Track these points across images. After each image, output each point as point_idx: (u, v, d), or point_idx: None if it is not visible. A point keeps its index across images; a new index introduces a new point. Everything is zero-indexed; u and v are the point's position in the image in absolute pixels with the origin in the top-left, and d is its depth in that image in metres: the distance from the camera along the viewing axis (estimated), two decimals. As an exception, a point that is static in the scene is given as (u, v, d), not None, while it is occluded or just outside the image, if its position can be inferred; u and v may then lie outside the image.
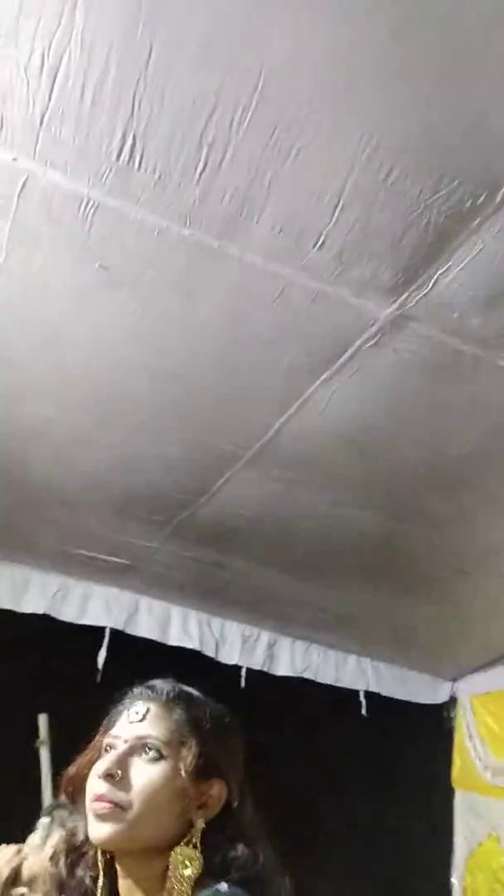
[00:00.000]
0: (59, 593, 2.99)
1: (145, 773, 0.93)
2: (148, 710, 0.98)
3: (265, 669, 3.20)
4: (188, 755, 0.94)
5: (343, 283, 1.46)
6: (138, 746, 0.95)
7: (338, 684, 3.32)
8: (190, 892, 0.87)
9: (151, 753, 0.94)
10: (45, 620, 2.93)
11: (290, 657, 3.28)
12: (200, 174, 1.31)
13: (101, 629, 3.02)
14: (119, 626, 3.01)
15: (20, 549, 2.96)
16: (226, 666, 3.20)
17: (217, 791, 0.95)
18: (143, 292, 1.53)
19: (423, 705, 3.50)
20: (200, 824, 0.92)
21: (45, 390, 1.90)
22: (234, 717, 1.04)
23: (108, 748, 0.97)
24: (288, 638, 3.33)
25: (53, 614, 2.91)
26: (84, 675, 2.93)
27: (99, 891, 0.95)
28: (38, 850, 1.61)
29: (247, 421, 1.91)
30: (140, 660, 3.06)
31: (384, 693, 3.44)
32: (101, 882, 0.95)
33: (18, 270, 1.54)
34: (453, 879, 3.15)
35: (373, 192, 1.25)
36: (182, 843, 0.91)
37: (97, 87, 1.21)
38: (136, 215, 1.40)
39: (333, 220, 1.32)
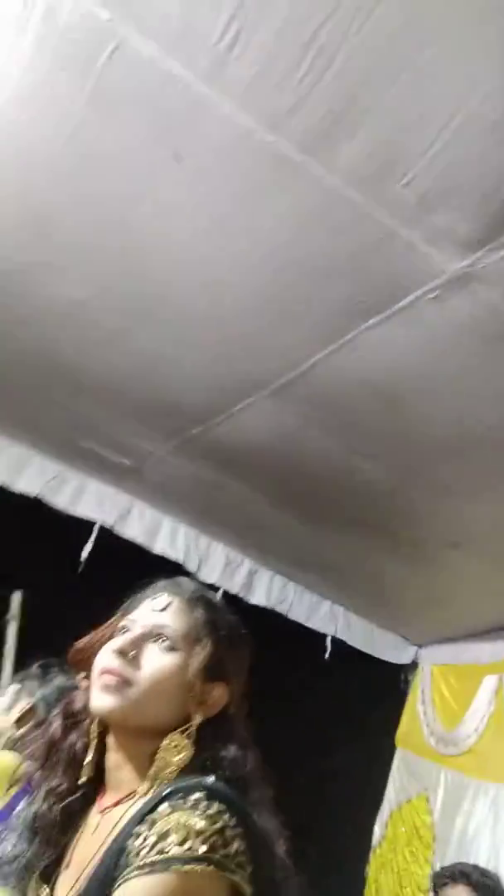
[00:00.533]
0: (55, 480, 2.99)
1: (157, 659, 0.95)
2: (170, 603, 1.00)
3: (241, 595, 3.24)
4: (201, 653, 0.97)
5: (419, 226, 1.39)
6: (154, 634, 0.97)
7: (307, 624, 3.38)
8: (173, 777, 0.90)
9: (167, 643, 0.96)
10: (35, 504, 2.94)
11: (267, 589, 3.32)
12: (301, 79, 1.23)
13: (90, 524, 3.04)
14: (108, 524, 3.03)
15: (25, 429, 2.95)
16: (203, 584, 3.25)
17: (219, 693, 0.98)
18: (211, 191, 1.46)
19: (385, 663, 3.57)
20: (198, 719, 0.94)
21: (85, 273, 1.85)
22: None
23: (124, 629, 0.99)
24: (269, 570, 3.37)
25: (46, 499, 2.92)
26: (65, 564, 2.96)
27: (88, 756, 0.98)
28: (5, 712, 1.69)
29: (282, 349, 1.86)
30: (122, 562, 3.10)
31: (350, 643, 3.50)
32: (91, 749, 0.98)
33: (90, 141, 1.46)
34: (376, 827, 3.27)
35: (479, 136, 1.18)
36: (177, 732, 0.93)
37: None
38: (224, 109, 1.32)
39: (428, 157, 1.25)
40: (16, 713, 1.69)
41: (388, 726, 3.59)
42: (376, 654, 3.59)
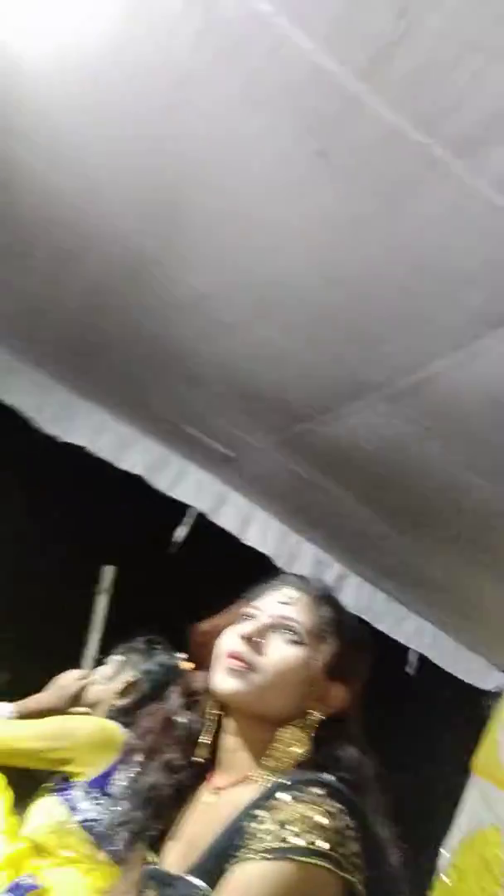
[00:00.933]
0: (157, 461, 3.05)
1: (283, 649, 0.97)
2: (298, 598, 1.02)
3: (328, 598, 3.21)
4: (325, 651, 0.98)
5: None
6: (281, 625, 0.99)
7: (392, 635, 3.32)
8: (288, 769, 0.91)
9: (292, 636, 0.98)
10: (136, 483, 3.01)
11: (354, 594, 3.28)
12: (464, 82, 1.19)
13: (185, 508, 3.09)
14: (204, 510, 3.07)
15: (133, 409, 3.01)
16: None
17: (339, 693, 0.99)
18: (354, 190, 1.43)
19: (468, 685, 3.47)
20: (317, 715, 0.96)
21: (212, 266, 1.86)
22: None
23: (248, 616, 1.01)
24: (358, 577, 3.33)
25: (147, 479, 2.98)
26: (158, 544, 3.02)
27: (204, 737, 1.01)
28: (107, 681, 1.74)
29: (404, 353, 1.82)
30: (213, 549, 3.14)
31: (434, 660, 3.42)
32: (207, 730, 1.01)
33: (235, 133, 1.46)
34: (444, 850, 3.18)
35: None
36: (296, 725, 0.95)
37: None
38: (377, 108, 1.29)
39: None
40: (119, 684, 1.73)
41: (465, 750, 3.49)
42: (460, 676, 3.49)
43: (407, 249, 1.49)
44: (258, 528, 3.18)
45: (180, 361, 2.30)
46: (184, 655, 1.79)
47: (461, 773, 3.45)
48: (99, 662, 2.95)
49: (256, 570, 3.16)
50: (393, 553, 2.99)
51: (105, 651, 2.99)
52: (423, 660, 3.40)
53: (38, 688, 1.90)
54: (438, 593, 3.19)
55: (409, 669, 3.38)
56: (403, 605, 3.42)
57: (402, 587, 3.27)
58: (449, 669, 3.46)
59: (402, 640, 3.34)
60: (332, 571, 3.29)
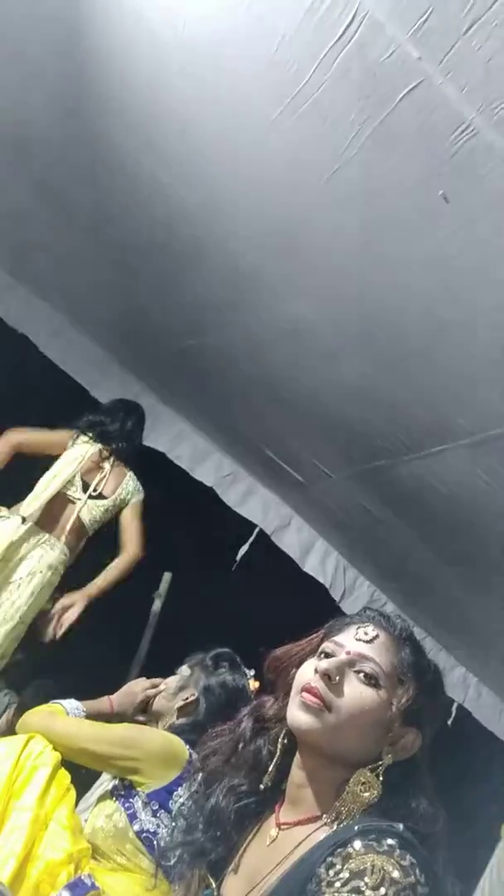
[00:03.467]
0: (229, 476, 3.10)
1: (359, 691, 0.96)
2: (378, 636, 1.00)
3: (376, 636, 3.19)
4: (403, 695, 0.96)
5: None
6: (359, 664, 0.97)
7: (437, 684, 3.26)
8: (358, 814, 0.90)
9: (370, 677, 0.96)
10: (208, 494, 3.06)
11: (405, 637, 3.23)
12: None
13: (251, 525, 3.12)
14: (268, 531, 3.09)
15: (213, 423, 3.08)
16: (338, 612, 3.23)
17: (413, 739, 0.97)
18: (474, 239, 1.46)
19: (506, 746, 3.38)
20: (389, 760, 0.94)
21: (319, 294, 1.90)
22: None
23: (327, 652, 1.00)
24: (410, 620, 3.28)
25: (218, 492, 3.03)
26: (220, 557, 3.06)
27: (272, 766, 1.01)
28: (172, 695, 1.74)
29: (497, 402, 1.81)
30: (272, 569, 3.15)
31: (475, 715, 3.35)
32: (276, 760, 1.01)
33: (364, 170, 1.51)
34: (464, 915, 3.09)
35: None
36: (368, 769, 0.93)
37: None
38: (510, 159, 1.32)
39: None
40: (179, 701, 1.73)
41: (496, 812, 3.38)
42: (499, 735, 3.40)
43: (518, 301, 1.50)
44: (318, 557, 3.19)
45: (270, 384, 2.35)
46: (251, 673, 1.79)
47: (489, 835, 3.35)
48: (144, 668, 3.00)
49: (311, 598, 3.17)
50: (449, 602, 2.95)
51: (153, 656, 3.05)
52: (462, 712, 3.33)
53: (88, 684, 1.94)
54: (489, 649, 3.12)
55: (448, 721, 3.32)
56: (451, 655, 3.36)
57: (452, 637, 3.22)
58: (489, 726, 3.37)
59: (445, 691, 3.27)
60: (385, 610, 3.25)
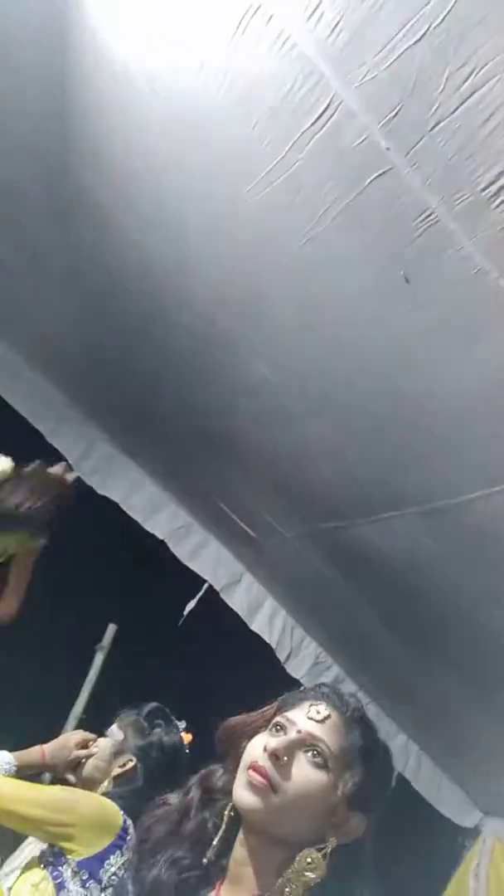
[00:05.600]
0: (181, 530, 3.10)
1: (306, 773, 0.95)
2: (329, 717, 1.00)
3: (321, 700, 3.17)
4: (349, 780, 0.96)
5: None
6: (309, 743, 0.97)
7: (378, 752, 3.23)
8: (300, 894, 0.89)
9: (319, 758, 0.96)
10: (159, 546, 3.04)
11: (348, 701, 3.22)
12: (553, 241, 1.28)
13: (200, 581, 3.10)
14: (217, 587, 3.09)
15: (169, 474, 3.08)
16: (281, 672, 3.21)
17: (357, 824, 0.97)
18: (428, 315, 1.52)
19: (444, 819, 3.35)
20: (334, 842, 0.94)
21: (282, 358, 1.95)
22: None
23: (279, 727, 1.00)
24: (354, 684, 3.28)
25: (170, 545, 3.02)
26: (167, 612, 3.03)
27: (216, 840, 0.99)
28: (106, 761, 1.70)
29: (449, 475, 1.87)
30: (219, 627, 3.13)
31: (414, 785, 3.33)
32: (220, 834, 0.99)
33: (329, 245, 1.57)
34: None
35: None
36: (314, 849, 0.93)
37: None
38: (468, 249, 1.39)
39: None
40: (116, 768, 1.68)
41: (433, 886, 3.34)
42: (437, 807, 3.38)
43: (471, 383, 1.57)
44: (266, 616, 3.18)
45: (229, 440, 2.37)
46: (183, 725, 1.77)
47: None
48: (82, 721, 2.92)
49: (257, 657, 3.15)
50: (395, 668, 2.96)
51: (91, 710, 2.98)
52: (402, 782, 3.30)
53: (21, 734, 1.89)
54: (432, 718, 3.13)
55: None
56: (394, 722, 3.35)
57: (397, 704, 3.22)
58: (428, 798, 3.35)
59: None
60: (329, 673, 3.26)
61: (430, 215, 1.40)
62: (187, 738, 1.74)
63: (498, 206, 1.31)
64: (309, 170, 1.50)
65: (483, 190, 1.30)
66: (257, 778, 0.93)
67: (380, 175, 1.41)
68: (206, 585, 3.07)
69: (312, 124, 1.43)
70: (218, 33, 1.42)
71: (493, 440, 1.67)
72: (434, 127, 1.29)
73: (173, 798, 1.07)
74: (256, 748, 0.97)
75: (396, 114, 1.31)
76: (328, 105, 1.39)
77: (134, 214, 1.95)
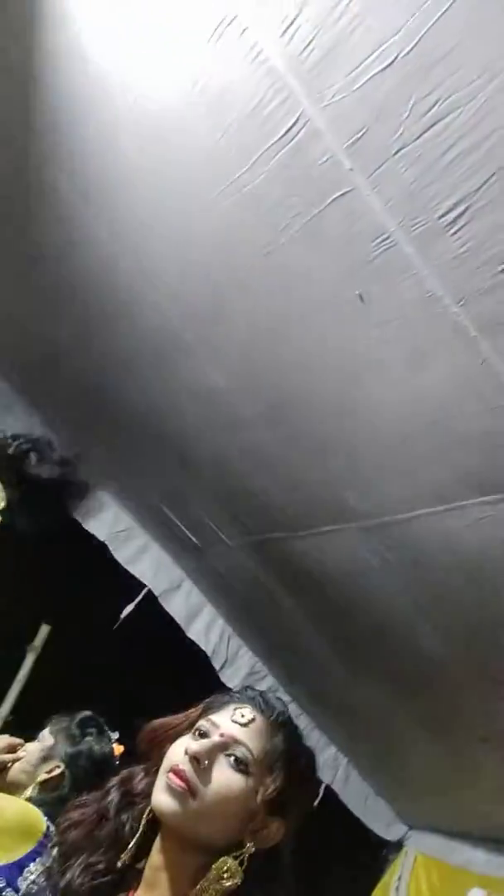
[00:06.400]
0: (123, 533, 3.07)
1: (226, 777, 0.95)
2: (253, 720, 0.99)
3: (254, 711, 3.17)
4: (270, 785, 0.95)
5: None
6: (230, 747, 0.96)
7: (306, 763, 3.25)
8: None
9: (240, 762, 0.96)
10: (98, 548, 3.01)
11: (280, 712, 3.23)
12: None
13: (140, 585, 3.08)
14: (157, 591, 3.06)
15: (114, 477, 3.05)
16: (216, 680, 3.20)
17: (276, 830, 0.96)
18: (381, 335, 1.56)
19: (369, 832, 3.39)
20: (251, 849, 0.93)
21: (236, 366, 1.96)
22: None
23: (201, 731, 0.99)
24: (288, 696, 3.29)
25: (111, 548, 2.98)
26: (102, 614, 3.00)
27: (132, 844, 0.98)
28: (33, 766, 1.66)
29: (390, 492, 1.90)
30: (155, 632, 3.12)
31: (342, 797, 3.35)
32: (137, 838, 0.98)
33: (288, 261, 1.59)
34: None
35: None
36: (231, 856, 0.92)
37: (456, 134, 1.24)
38: (423, 272, 1.43)
39: None
40: (43, 774, 1.65)
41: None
42: (363, 820, 3.41)
43: (418, 402, 1.61)
44: (204, 623, 3.17)
45: (179, 444, 2.37)
46: (116, 736, 1.75)
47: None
48: (7, 723, 2.87)
49: (192, 663, 3.13)
50: (329, 679, 2.99)
51: (20, 711, 2.92)
52: (329, 794, 3.33)
53: None
54: (363, 731, 3.17)
55: (314, 802, 3.30)
56: (325, 735, 3.37)
57: (327, 716, 3.25)
58: (354, 811, 3.38)
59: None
60: (264, 683, 3.26)
61: (387, 238, 1.44)
62: (119, 749, 1.72)
63: (454, 233, 1.35)
64: (273, 183, 1.52)
65: (440, 217, 1.35)
66: (176, 781, 0.92)
67: (342, 195, 1.44)
68: (145, 590, 3.05)
69: (279, 139, 1.46)
70: (192, 41, 1.43)
71: (437, 460, 1.71)
72: (397, 152, 1.32)
73: (91, 800, 1.05)
74: (178, 751, 0.96)
75: (361, 136, 1.34)
76: (295, 122, 1.42)
77: (97, 214, 1.94)
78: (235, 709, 1.00)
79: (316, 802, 3.25)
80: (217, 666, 3.14)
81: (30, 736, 1.81)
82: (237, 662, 3.23)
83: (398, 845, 3.37)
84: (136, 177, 1.76)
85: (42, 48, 1.70)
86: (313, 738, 3.31)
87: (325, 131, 1.39)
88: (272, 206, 1.55)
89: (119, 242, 1.96)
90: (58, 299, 2.32)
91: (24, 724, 2.00)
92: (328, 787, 3.30)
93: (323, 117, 1.38)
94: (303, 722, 3.30)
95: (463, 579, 1.97)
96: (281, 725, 1.01)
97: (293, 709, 3.29)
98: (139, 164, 1.73)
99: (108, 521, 3.03)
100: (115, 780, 1.05)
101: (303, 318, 1.70)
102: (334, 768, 3.34)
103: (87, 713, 1.78)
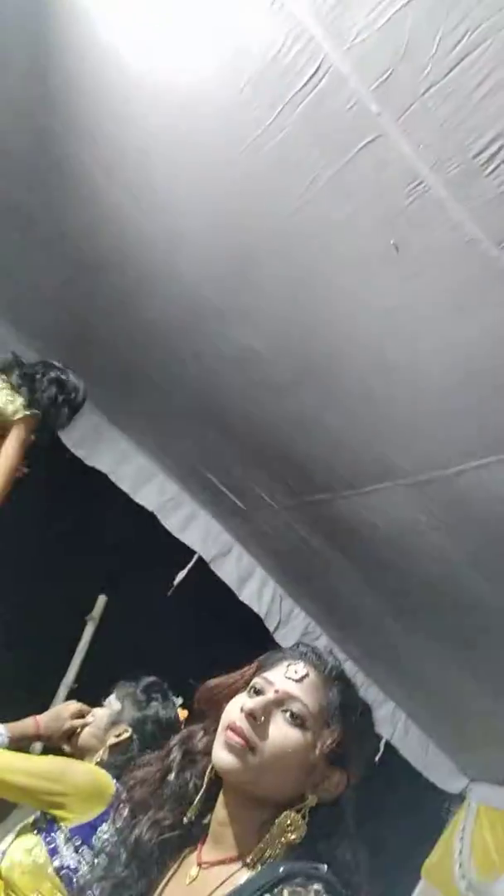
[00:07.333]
0: (171, 501, 3.09)
1: (284, 732, 0.95)
2: (307, 675, 0.99)
3: (309, 668, 3.20)
4: (328, 738, 0.95)
5: None
6: (286, 703, 0.97)
7: (365, 719, 3.28)
8: (281, 856, 0.90)
9: (297, 717, 0.96)
10: (149, 518, 3.04)
11: (337, 671, 3.25)
12: (544, 208, 1.27)
13: (190, 552, 3.11)
14: (207, 558, 3.09)
15: (159, 445, 3.07)
16: (272, 643, 3.23)
17: (338, 780, 0.97)
18: (422, 289, 1.51)
19: (431, 784, 3.41)
20: (313, 801, 0.94)
21: (271, 328, 1.93)
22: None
23: (256, 688, 1.00)
24: (344, 654, 3.31)
25: (159, 517, 3.01)
26: (157, 583, 3.04)
27: (196, 801, 1.00)
28: (102, 731, 1.70)
29: (437, 447, 1.87)
30: (208, 598, 3.15)
31: (402, 752, 3.38)
32: (201, 794, 0.99)
33: (318, 215, 1.55)
34: None
35: None
36: (293, 810, 0.93)
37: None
38: (459, 215, 1.37)
39: None
40: (112, 738, 1.69)
41: (417, 851, 3.41)
42: (425, 774, 3.43)
43: (460, 352, 1.56)
44: (255, 586, 3.19)
45: (218, 412, 2.36)
46: (180, 701, 1.77)
47: (410, 874, 3.37)
48: (73, 691, 2.94)
49: (246, 627, 3.16)
50: (383, 636, 2.99)
51: (82, 679, 2.99)
52: (389, 749, 3.35)
53: (11, 705, 1.89)
54: (420, 686, 3.17)
55: (376, 758, 3.33)
56: (382, 690, 3.39)
57: (384, 672, 3.26)
58: (415, 765, 3.40)
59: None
60: (318, 643, 3.27)
61: (420, 183, 1.38)
62: (183, 714, 1.75)
63: (490, 172, 1.29)
64: (297, 136, 1.47)
65: (475, 156, 1.28)
66: (234, 738, 0.93)
67: (370, 141, 1.39)
68: (195, 557, 3.08)
69: (301, 88, 1.40)
70: (205, -7, 1.38)
71: (481, 412, 1.66)
72: (426, 91, 1.26)
73: (154, 759, 1.07)
74: (234, 709, 0.97)
75: (388, 77, 1.28)
76: (318, 68, 1.36)
77: (120, 183, 1.91)
78: (289, 665, 1.00)
79: (377, 757, 3.30)
80: (271, 627, 3.17)
81: (95, 703, 1.86)
82: (291, 623, 3.25)
83: (460, 798, 3.38)
84: (155, 141, 1.73)
85: (55, 20, 1.66)
86: (370, 694, 3.33)
87: (349, 75, 1.33)
88: (298, 160, 1.50)
89: (143, 211, 1.93)
90: (86, 272, 2.31)
91: (87, 693, 2.04)
92: (388, 743, 3.32)
93: (346, 61, 1.32)
94: (359, 679, 3.32)
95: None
96: (335, 679, 1.01)
97: (348, 667, 3.32)
98: (157, 128, 1.69)
99: (155, 491, 3.06)
100: (175, 739, 1.07)
101: (335, 275, 1.65)
102: (393, 724, 3.36)
103: (153, 678, 1.81)
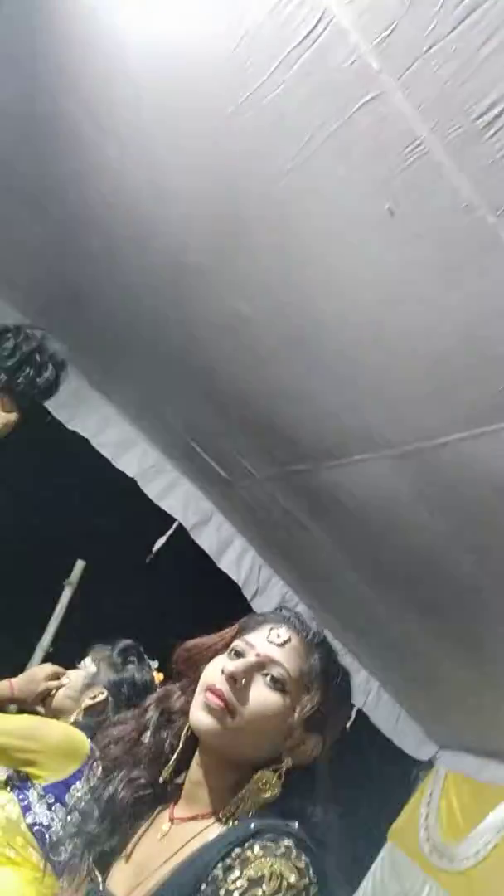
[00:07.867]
0: (153, 468, 3.07)
1: (263, 695, 0.95)
2: (289, 640, 1.00)
3: (285, 636, 3.22)
4: (307, 703, 0.96)
5: None
6: (267, 666, 0.97)
7: (338, 686, 3.32)
8: (253, 813, 0.90)
9: (277, 681, 0.96)
10: (128, 484, 3.02)
11: (313, 640, 3.28)
12: (545, 175, 1.25)
13: (170, 519, 3.10)
14: (187, 526, 3.08)
15: (141, 412, 3.04)
16: (248, 611, 3.24)
17: (314, 744, 0.98)
18: (417, 255, 1.49)
19: (400, 752, 3.47)
20: (289, 762, 0.95)
21: (260, 293, 1.90)
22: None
23: (237, 651, 0.99)
24: (319, 621, 3.33)
25: (140, 484, 2.99)
26: (135, 549, 3.03)
27: (171, 760, 1.00)
28: (77, 692, 1.71)
29: (423, 418, 1.86)
30: (186, 565, 3.15)
31: (373, 720, 3.43)
32: (177, 754, 1.00)
33: (314, 174, 1.51)
34: (345, 914, 3.16)
35: None
36: (269, 769, 0.93)
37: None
38: (456, 181, 1.35)
39: None
40: (87, 700, 1.70)
41: (385, 816, 3.48)
42: (395, 741, 3.49)
43: (452, 320, 1.54)
44: (235, 554, 3.19)
45: (203, 378, 2.33)
46: (156, 664, 1.78)
47: (378, 837, 3.44)
48: (48, 654, 2.94)
49: (225, 594, 3.17)
50: (359, 606, 3.01)
51: (58, 643, 2.99)
52: (360, 716, 3.40)
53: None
54: (394, 655, 3.21)
55: (348, 725, 3.38)
56: (355, 658, 3.42)
57: (360, 640, 3.29)
58: (385, 732, 3.46)
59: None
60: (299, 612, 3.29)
61: (419, 145, 1.35)
62: (159, 677, 1.76)
63: (491, 136, 1.26)
64: (295, 92, 1.43)
65: (477, 119, 1.26)
66: (214, 700, 0.93)
67: (370, 100, 1.35)
68: (175, 524, 3.07)
69: (300, 42, 1.36)
70: None
71: (469, 382, 1.66)
72: (429, 49, 1.23)
73: (129, 718, 1.07)
74: (214, 671, 0.97)
75: (390, 33, 1.25)
76: (318, 21, 1.32)
77: (109, 134, 1.86)
78: (271, 629, 1.01)
79: (349, 724, 3.35)
80: (248, 595, 3.18)
81: (71, 666, 1.86)
82: (268, 591, 3.26)
83: (429, 764, 3.45)
84: (147, 93, 1.67)
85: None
86: (345, 662, 3.35)
87: (350, 30, 1.29)
88: (294, 117, 1.47)
89: (132, 166, 1.88)
90: (76, 231, 2.26)
91: (63, 656, 2.04)
92: (360, 710, 3.37)
93: (348, 14, 1.28)
94: (335, 646, 3.35)
95: (497, 502, 1.93)
96: (317, 645, 1.02)
97: (325, 635, 3.35)
98: (150, 80, 1.64)
99: (137, 458, 3.03)
100: (152, 699, 1.08)
101: (327, 239, 1.62)
102: (365, 692, 3.41)
103: (128, 642, 1.82)
